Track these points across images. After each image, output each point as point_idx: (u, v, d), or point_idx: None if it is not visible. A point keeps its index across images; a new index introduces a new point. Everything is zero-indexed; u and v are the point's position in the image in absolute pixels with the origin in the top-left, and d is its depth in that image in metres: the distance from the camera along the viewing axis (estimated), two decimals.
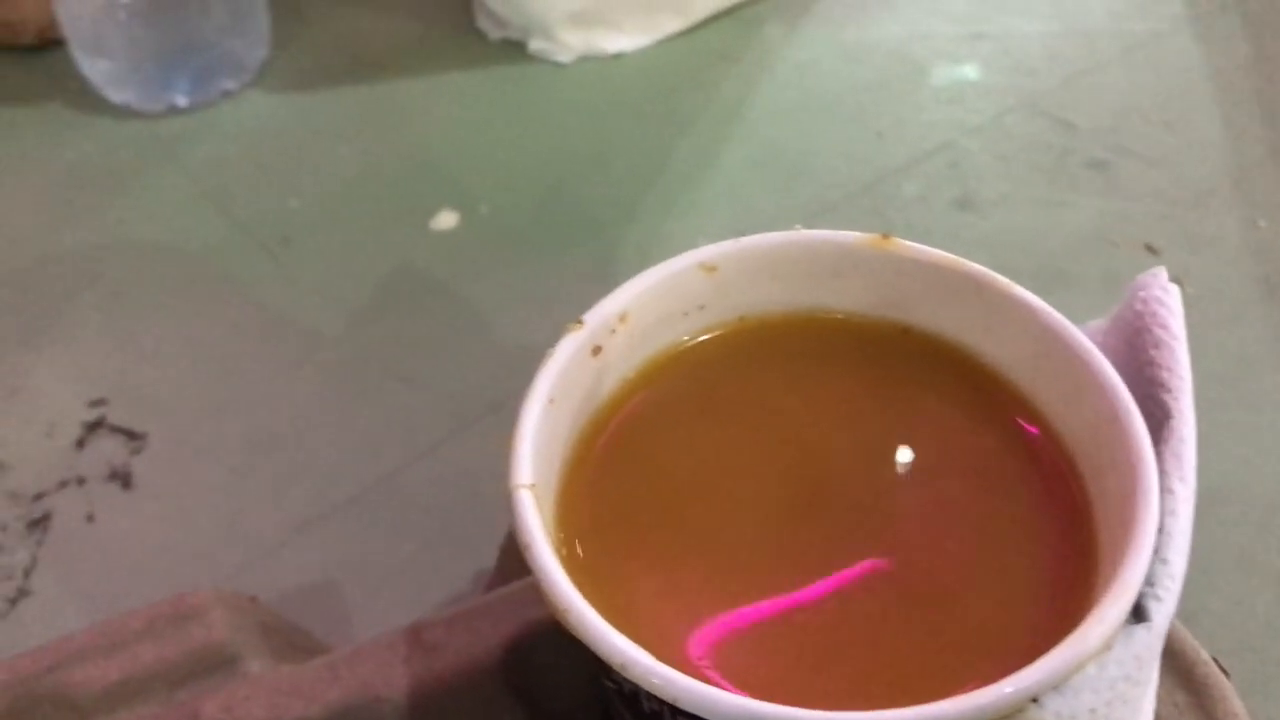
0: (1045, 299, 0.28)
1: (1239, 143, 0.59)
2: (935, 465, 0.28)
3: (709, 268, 0.30)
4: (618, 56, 0.66)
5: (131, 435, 0.49)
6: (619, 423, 0.30)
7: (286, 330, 0.53)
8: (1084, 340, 0.27)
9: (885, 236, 0.30)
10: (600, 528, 0.28)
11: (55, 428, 0.50)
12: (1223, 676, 0.31)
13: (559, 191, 0.59)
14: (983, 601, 0.26)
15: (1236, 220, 0.55)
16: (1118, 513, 0.25)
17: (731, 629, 0.26)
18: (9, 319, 0.54)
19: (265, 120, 0.64)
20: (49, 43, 0.69)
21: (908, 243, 0.30)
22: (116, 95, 0.65)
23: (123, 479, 0.48)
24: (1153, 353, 0.28)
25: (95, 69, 0.65)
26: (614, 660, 0.23)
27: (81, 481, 0.48)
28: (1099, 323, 0.30)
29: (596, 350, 0.29)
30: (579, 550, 0.27)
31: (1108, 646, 0.23)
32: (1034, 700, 0.22)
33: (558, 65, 0.66)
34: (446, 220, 0.57)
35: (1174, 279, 0.29)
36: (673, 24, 0.66)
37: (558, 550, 0.25)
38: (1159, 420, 0.27)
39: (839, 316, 0.31)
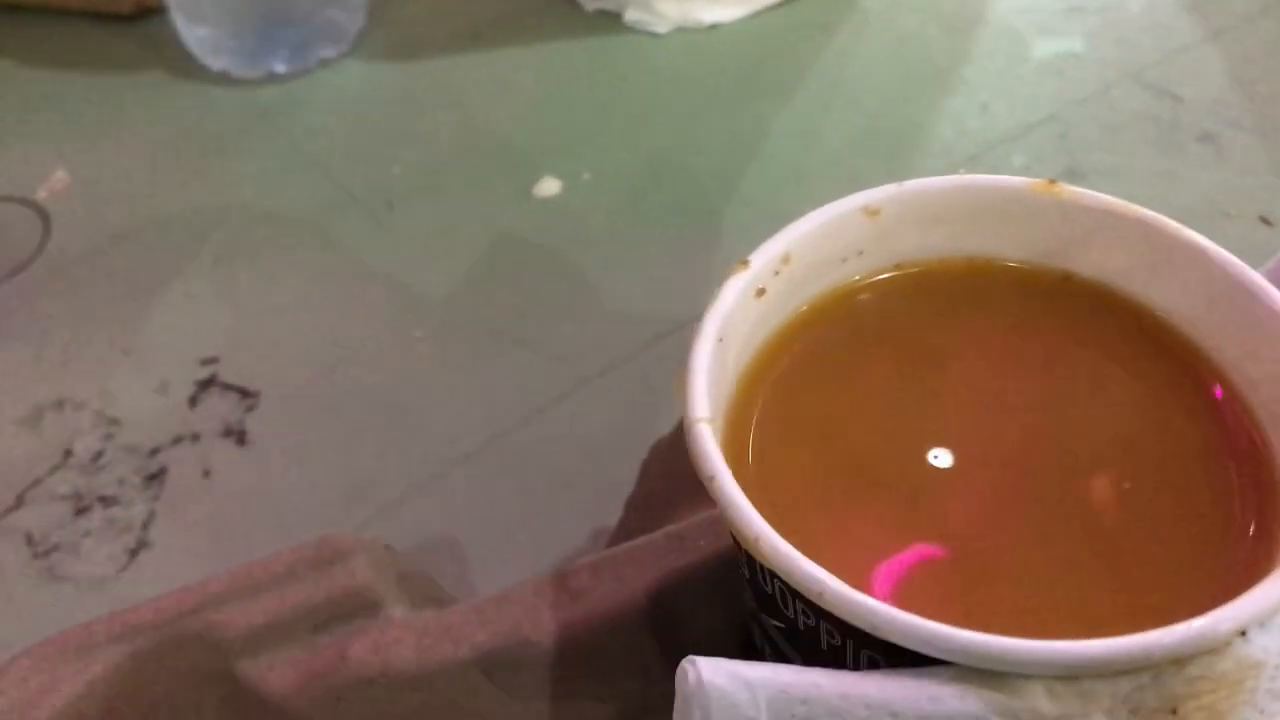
0: None
1: None
2: (1103, 408, 0.28)
3: (871, 211, 0.30)
4: (714, 27, 0.66)
5: (244, 393, 0.50)
6: (780, 365, 0.29)
7: (394, 292, 0.53)
8: (1264, 283, 0.27)
9: (1051, 182, 0.29)
10: (764, 465, 0.28)
11: (168, 385, 0.50)
12: None
13: (659, 160, 0.59)
14: (1160, 541, 0.25)
15: None
16: None
17: (904, 567, 0.26)
18: (120, 281, 0.55)
19: (364, 89, 0.64)
20: (146, 11, 0.70)
21: (1074, 188, 0.29)
22: (215, 62, 0.66)
23: (237, 435, 0.48)
24: None
25: (195, 36, 0.66)
26: (809, 588, 0.22)
27: (196, 438, 0.48)
28: (1267, 266, 0.30)
29: (760, 292, 0.29)
30: (744, 486, 0.27)
31: None
32: (1242, 634, 0.22)
33: (653, 36, 0.66)
34: (549, 187, 0.57)
35: None
36: None
37: None
38: None
39: (999, 263, 0.31)
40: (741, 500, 0.24)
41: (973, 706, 0.21)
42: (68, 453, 0.48)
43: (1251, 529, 0.25)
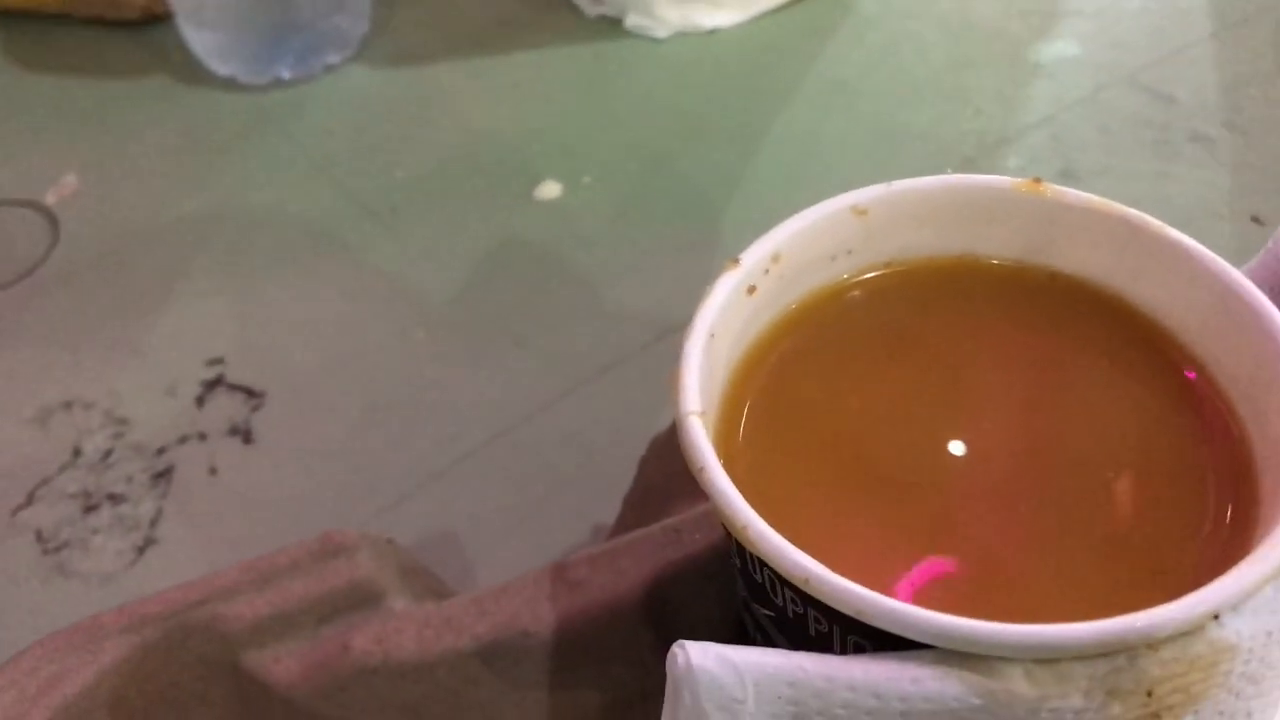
0: None
1: None
2: (1086, 400, 0.29)
3: (860, 210, 0.30)
4: (713, 32, 0.67)
5: (250, 393, 0.51)
6: (771, 360, 0.30)
7: (397, 294, 0.54)
8: (1243, 280, 0.28)
9: (1037, 181, 0.30)
10: (755, 458, 0.28)
11: (176, 385, 0.51)
12: None
13: (660, 163, 0.59)
14: (1141, 527, 0.26)
15: None
16: None
17: (885, 552, 0.27)
18: (128, 283, 0.56)
19: (368, 93, 0.65)
20: (154, 17, 0.71)
21: (1060, 187, 0.30)
22: (221, 68, 0.67)
23: (243, 434, 0.49)
24: None
25: (201, 42, 0.66)
26: (796, 576, 0.23)
27: (203, 437, 0.49)
28: (1249, 264, 0.30)
29: (751, 289, 0.29)
30: (734, 478, 0.28)
31: None
32: (1215, 617, 0.22)
33: (654, 40, 0.67)
34: (550, 190, 0.58)
35: None
36: (769, 0, 0.67)
37: None
38: None
39: (986, 261, 0.31)
40: (730, 490, 0.24)
41: (953, 688, 0.22)
42: (77, 451, 0.49)
43: (1229, 515, 0.26)
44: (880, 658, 0.23)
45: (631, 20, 0.67)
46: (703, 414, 0.26)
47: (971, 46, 0.64)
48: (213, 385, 0.51)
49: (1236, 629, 0.23)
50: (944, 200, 0.30)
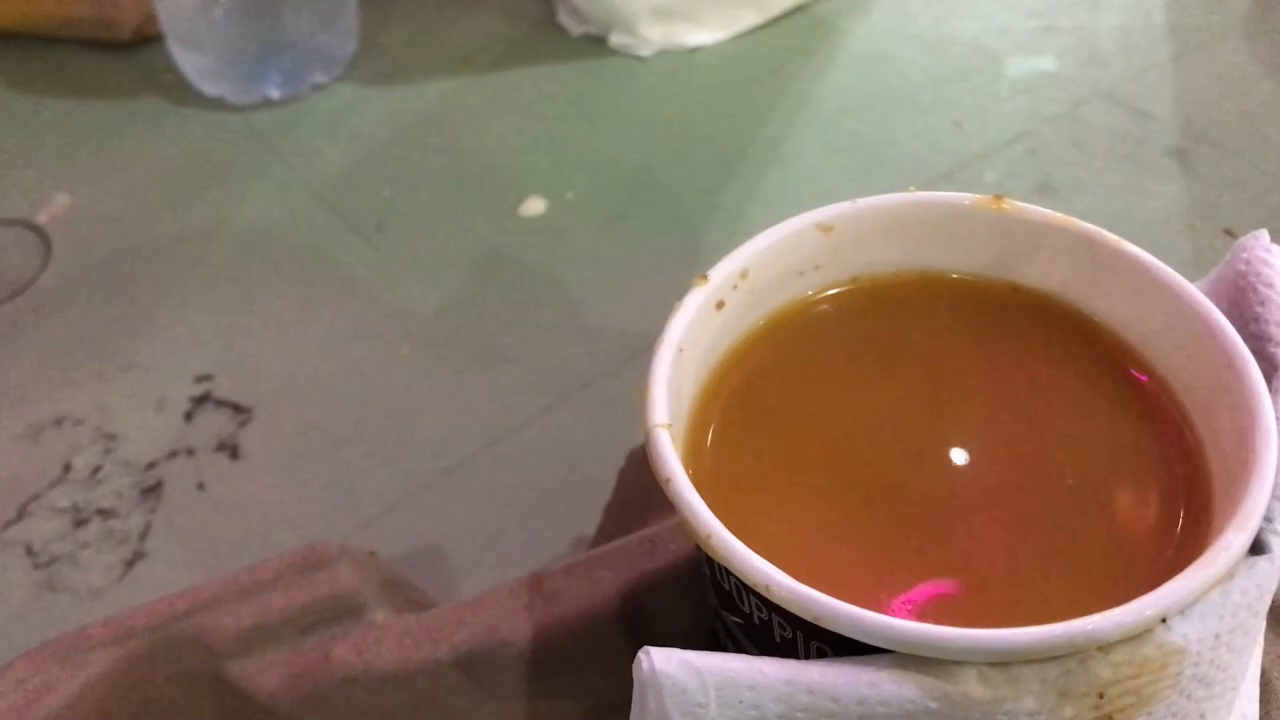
0: None
1: None
2: (1046, 409, 0.29)
3: (825, 228, 0.31)
4: (696, 50, 0.68)
5: (237, 409, 0.51)
6: (740, 374, 0.31)
7: (384, 310, 0.54)
8: (1196, 292, 0.28)
9: (998, 198, 0.31)
10: (723, 469, 0.29)
11: (165, 401, 0.52)
12: None
13: (643, 179, 0.60)
14: (1100, 535, 0.27)
15: None
16: (1235, 451, 0.26)
17: (852, 562, 0.27)
18: (118, 301, 0.57)
19: (355, 112, 0.66)
20: (145, 39, 0.72)
21: (1020, 203, 0.31)
22: (211, 88, 0.67)
23: (230, 450, 0.50)
24: (1258, 309, 0.29)
25: (191, 63, 0.67)
26: (758, 582, 0.24)
27: (191, 452, 0.50)
28: (1198, 284, 0.31)
29: (720, 305, 0.30)
30: (702, 489, 0.28)
31: (1231, 575, 0.24)
32: (1163, 621, 0.23)
33: (638, 59, 0.67)
34: (534, 206, 0.59)
35: None
36: (750, 18, 0.68)
37: None
38: (1266, 372, 0.28)
39: (950, 276, 0.32)
40: (695, 500, 0.25)
41: (909, 691, 0.23)
42: (67, 467, 0.49)
43: (1181, 522, 0.27)
44: (838, 662, 0.23)
45: (616, 39, 0.68)
46: (670, 426, 0.27)
47: (950, 63, 0.65)
48: (201, 401, 0.52)
49: (1184, 632, 0.23)
50: (908, 217, 0.31)
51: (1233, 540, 0.23)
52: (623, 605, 0.34)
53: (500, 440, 0.48)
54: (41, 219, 0.61)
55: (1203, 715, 0.25)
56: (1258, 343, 0.29)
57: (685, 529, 0.25)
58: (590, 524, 0.42)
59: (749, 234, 0.30)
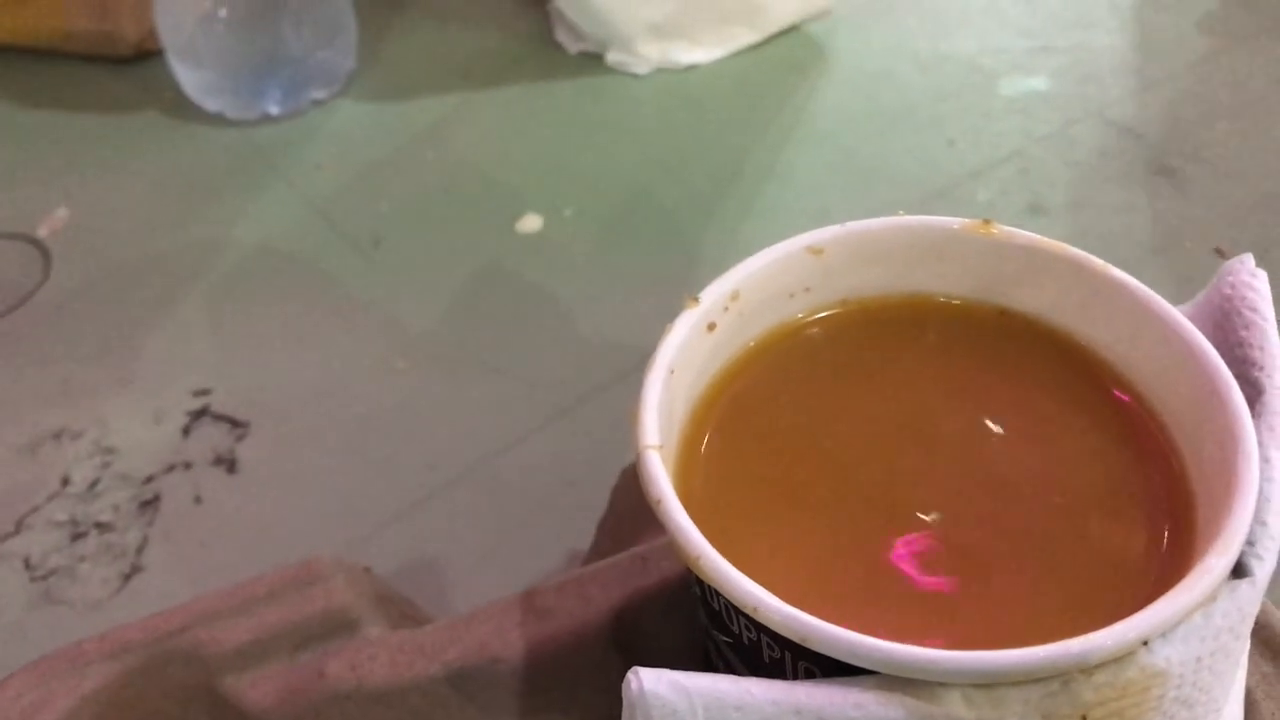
0: None
1: None
2: (1033, 431, 0.30)
3: (816, 250, 0.31)
4: (692, 68, 0.68)
5: (235, 423, 0.52)
6: (730, 395, 0.31)
7: (381, 325, 0.55)
8: (1180, 318, 0.29)
9: (986, 222, 0.31)
10: (712, 489, 0.29)
11: (163, 415, 0.52)
12: None
13: (639, 196, 0.61)
14: (1085, 556, 0.27)
15: None
16: (1218, 475, 0.26)
17: (840, 582, 0.27)
18: (117, 315, 0.57)
19: (354, 128, 0.67)
20: (144, 54, 0.72)
21: (1008, 228, 0.31)
22: (211, 104, 0.68)
23: (228, 464, 0.50)
24: (1243, 333, 0.30)
25: (191, 79, 0.68)
26: (746, 603, 0.24)
27: (188, 466, 0.50)
28: (1184, 308, 0.31)
29: (711, 326, 0.30)
30: (693, 509, 0.29)
31: (1213, 597, 0.24)
32: (1145, 644, 0.23)
33: (634, 76, 0.68)
34: (531, 223, 0.59)
35: None
36: (746, 37, 0.68)
37: None
38: (1250, 397, 0.28)
39: (938, 299, 0.32)
40: (685, 521, 0.25)
41: (895, 713, 0.23)
42: (65, 480, 0.50)
43: (1164, 545, 0.27)
44: (826, 683, 0.23)
45: (612, 57, 0.68)
46: (661, 447, 0.27)
47: (945, 82, 0.66)
48: (199, 415, 0.52)
49: (1166, 655, 0.23)
50: (897, 240, 0.31)
51: (1215, 564, 0.24)
52: (615, 622, 0.34)
53: (495, 455, 0.48)
54: (41, 232, 0.62)
55: None
56: (1241, 367, 0.29)
57: (675, 550, 0.26)
58: (584, 540, 0.42)
59: (744, 251, 0.31)
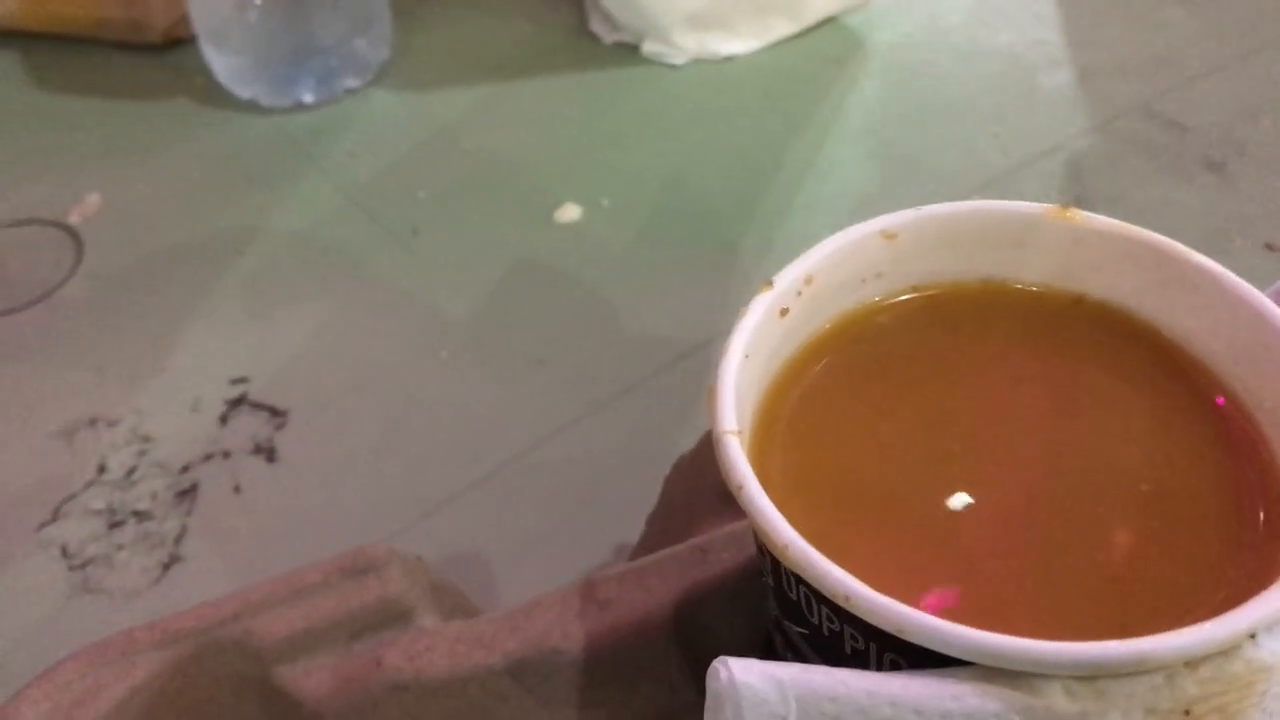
0: None
1: None
2: (1112, 419, 0.29)
3: (889, 235, 0.31)
4: (729, 59, 0.67)
5: (273, 412, 0.51)
6: (802, 381, 0.30)
7: (419, 314, 0.54)
8: (1273, 306, 0.28)
9: (1065, 207, 0.31)
10: (788, 476, 0.29)
11: (200, 403, 0.52)
12: None
13: (678, 188, 0.60)
14: (1174, 550, 0.26)
15: None
16: None
17: (917, 571, 0.27)
18: (154, 302, 0.56)
19: (389, 117, 0.66)
20: (176, 41, 0.72)
21: (1087, 213, 0.30)
22: (244, 91, 0.67)
23: (267, 453, 0.49)
24: None
25: (224, 65, 0.67)
26: (837, 593, 0.23)
27: (227, 455, 0.50)
28: (1272, 288, 0.31)
29: (784, 312, 0.30)
30: (771, 497, 0.28)
31: None
32: (1252, 637, 0.23)
33: (671, 67, 0.67)
34: (569, 213, 0.59)
35: None
36: (784, 27, 0.68)
37: None
38: None
39: (1013, 285, 0.32)
40: (770, 508, 0.25)
41: (993, 705, 0.22)
42: (102, 468, 0.49)
43: (1259, 540, 0.26)
44: (920, 674, 0.23)
45: (648, 47, 0.68)
46: (738, 433, 0.27)
47: (986, 74, 0.65)
48: (236, 404, 0.52)
49: (1272, 649, 0.23)
50: (972, 225, 0.31)
51: None
52: (675, 614, 0.33)
53: (537, 446, 0.48)
54: (73, 219, 0.61)
55: None
56: None
57: (759, 538, 0.25)
58: (628, 531, 0.41)
59: (784, 242, 0.30)
